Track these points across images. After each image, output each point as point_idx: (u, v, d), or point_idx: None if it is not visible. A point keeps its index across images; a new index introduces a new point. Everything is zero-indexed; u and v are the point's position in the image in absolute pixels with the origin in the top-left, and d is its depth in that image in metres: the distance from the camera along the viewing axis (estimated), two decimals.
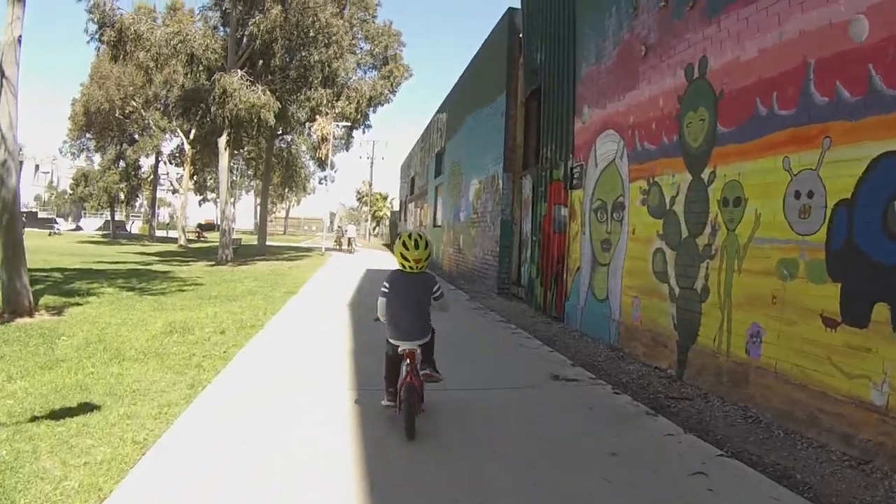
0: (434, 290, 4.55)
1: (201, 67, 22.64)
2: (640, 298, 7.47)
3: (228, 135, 23.38)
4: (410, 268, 4.49)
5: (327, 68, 24.48)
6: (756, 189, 5.58)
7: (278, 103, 22.90)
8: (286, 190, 54.08)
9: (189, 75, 24.20)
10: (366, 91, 29.02)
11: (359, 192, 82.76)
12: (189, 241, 45.73)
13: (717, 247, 6.02)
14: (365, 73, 30.94)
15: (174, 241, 45.35)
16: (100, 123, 42.14)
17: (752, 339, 5.50)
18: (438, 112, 26.94)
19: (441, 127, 25.83)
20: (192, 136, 37.43)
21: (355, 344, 7.63)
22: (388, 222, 62.49)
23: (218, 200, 66.11)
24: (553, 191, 10.93)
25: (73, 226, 72.27)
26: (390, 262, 19.67)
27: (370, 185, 68.32)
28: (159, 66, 23.50)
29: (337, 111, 28.69)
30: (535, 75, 12.70)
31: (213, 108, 22.06)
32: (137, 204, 67.15)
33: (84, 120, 42.36)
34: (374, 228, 76.69)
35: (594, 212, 8.97)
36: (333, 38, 23.65)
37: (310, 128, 34.12)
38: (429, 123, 30.22)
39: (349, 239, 36.25)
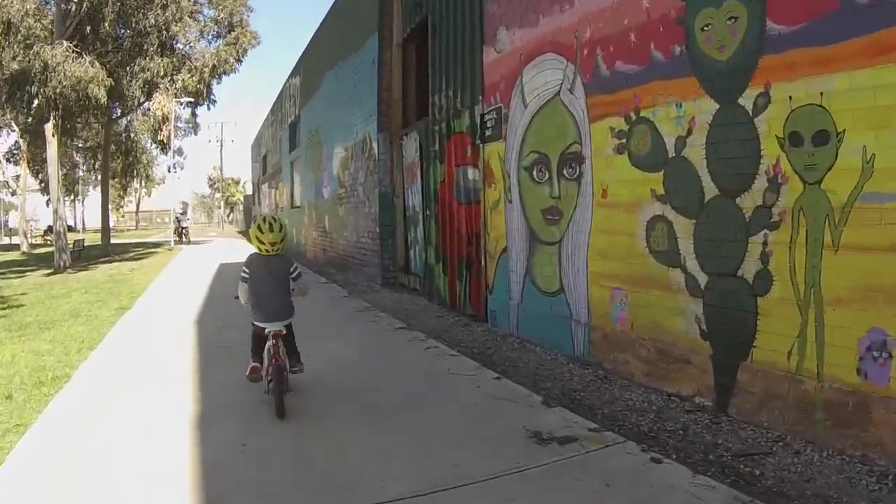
0: (291, 270, 4.66)
1: (20, 38, 18.91)
2: (625, 291, 5.17)
3: (55, 119, 19.50)
4: (266, 251, 4.58)
5: (164, 33, 20.86)
6: (861, 116, 3.38)
7: (110, 78, 19.53)
8: (127, 179, 48.69)
9: (7, 49, 19.98)
10: (208, 60, 25.28)
11: (210, 179, 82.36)
12: (33, 245, 40.59)
13: (785, 209, 3.79)
14: (209, 43, 27.07)
15: (18, 247, 39.79)
16: None
17: (873, 354, 3.35)
18: (291, 77, 23.47)
19: (294, 93, 22.45)
20: (23, 128, 31.86)
21: (204, 401, 4.71)
22: (241, 208, 60.82)
23: (63, 200, 60.77)
24: (454, 148, 8.40)
25: None
26: (245, 250, 16.82)
27: (220, 170, 67.95)
28: None
29: (178, 85, 24.89)
30: (418, 8, 10.07)
31: (33, 88, 18.73)
32: None
33: None
34: (227, 215, 74.62)
35: (526, 170, 6.54)
36: None
37: (149, 108, 29.87)
38: (280, 92, 26.62)
39: (184, 228, 33.74)
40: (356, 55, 13.18)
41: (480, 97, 7.48)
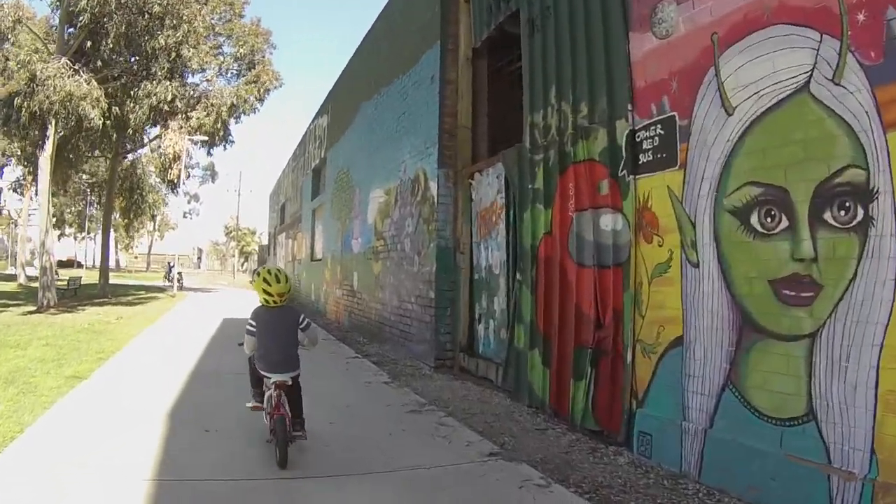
0: (300, 320, 4.88)
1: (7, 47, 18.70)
2: None
3: (46, 142, 18.46)
4: (275, 302, 4.75)
5: (174, 55, 19.84)
6: None
7: (116, 107, 19.40)
8: (131, 217, 49.86)
9: None
10: (227, 98, 24.65)
11: (227, 228, 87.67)
12: (32, 278, 41.33)
13: None
14: (229, 81, 26.81)
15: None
16: None
17: None
18: (316, 117, 22.23)
19: (321, 134, 21.08)
20: (24, 155, 32.37)
21: None
22: (256, 258, 64.67)
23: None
24: (573, 183, 6.22)
25: None
26: (253, 301, 14.87)
27: (237, 219, 72.21)
28: None
29: (193, 123, 24.26)
30: (501, 3, 8.22)
31: (16, 101, 17.75)
32: None
33: None
34: (241, 265, 79.94)
35: (735, 213, 4.34)
36: (184, 18, 19.18)
37: (159, 145, 29.70)
38: (303, 136, 25.62)
39: (178, 274, 34.34)
40: (405, 76, 11.39)
41: (629, 107, 5.39)
